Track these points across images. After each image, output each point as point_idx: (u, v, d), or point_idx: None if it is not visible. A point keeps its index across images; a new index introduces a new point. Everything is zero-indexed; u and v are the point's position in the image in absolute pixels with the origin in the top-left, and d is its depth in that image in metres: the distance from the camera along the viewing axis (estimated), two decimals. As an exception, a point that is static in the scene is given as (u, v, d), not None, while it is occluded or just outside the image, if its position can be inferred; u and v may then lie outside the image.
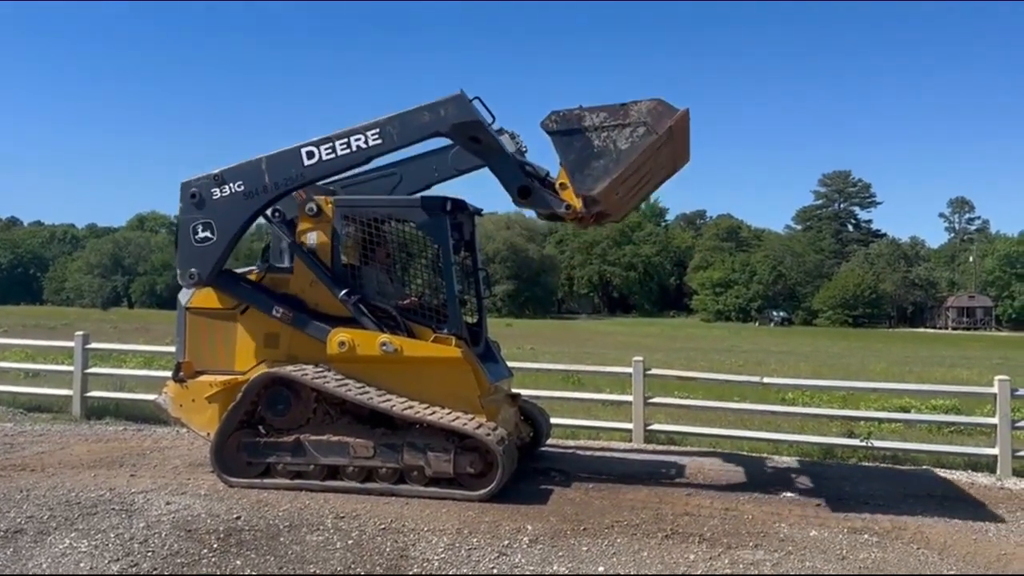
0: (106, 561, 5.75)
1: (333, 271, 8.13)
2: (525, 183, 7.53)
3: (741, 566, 5.99)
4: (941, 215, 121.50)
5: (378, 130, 7.57)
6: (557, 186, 7.42)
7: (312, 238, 8.19)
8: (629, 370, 10.84)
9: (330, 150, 7.67)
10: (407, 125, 7.52)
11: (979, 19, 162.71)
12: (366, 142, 7.59)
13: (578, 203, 7.31)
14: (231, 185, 7.87)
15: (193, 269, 7.94)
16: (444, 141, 8.32)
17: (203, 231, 7.93)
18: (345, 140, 7.63)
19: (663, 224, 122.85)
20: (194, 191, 7.95)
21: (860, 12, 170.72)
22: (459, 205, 8.43)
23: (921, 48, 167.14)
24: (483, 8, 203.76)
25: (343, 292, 7.92)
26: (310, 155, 7.71)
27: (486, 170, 8.31)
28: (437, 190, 9.18)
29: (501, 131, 7.99)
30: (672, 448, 10.53)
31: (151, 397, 9.73)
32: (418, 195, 8.58)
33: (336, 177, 8.91)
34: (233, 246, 8.03)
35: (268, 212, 8.16)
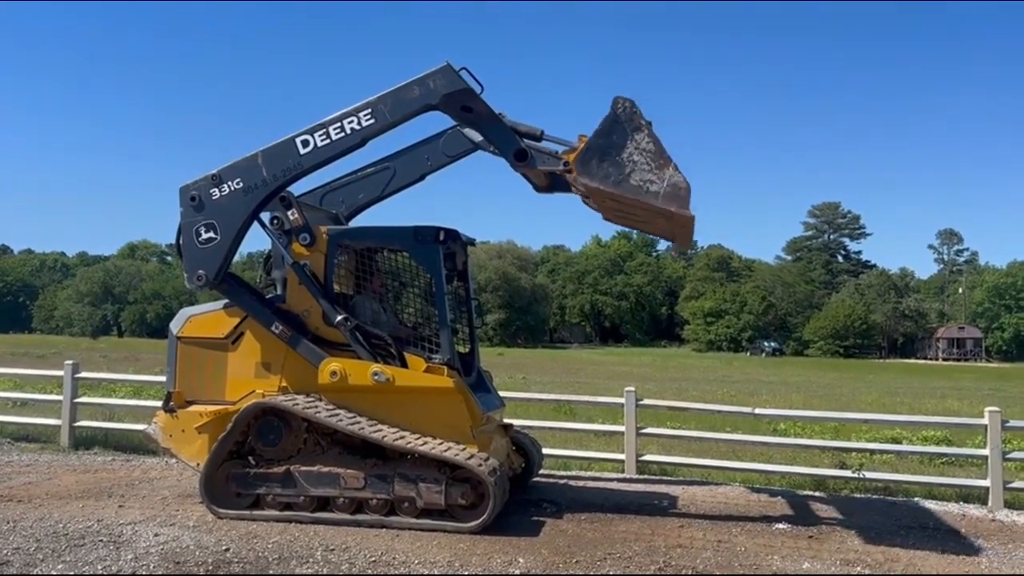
0: (93, 594, 5.68)
1: (327, 299, 8.12)
2: (521, 147, 7.58)
3: (734, 599, 5.96)
4: (930, 246, 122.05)
5: (370, 110, 7.60)
6: (580, 144, 7.40)
7: (306, 267, 8.19)
8: (621, 400, 10.83)
9: (324, 136, 7.70)
10: (398, 101, 7.56)
11: (967, 52, 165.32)
12: (359, 123, 7.62)
13: (575, 168, 7.33)
14: (230, 183, 7.89)
15: (200, 271, 7.93)
16: (433, 128, 8.35)
17: (206, 232, 7.94)
18: (338, 124, 7.66)
19: (654, 254, 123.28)
20: (193, 194, 7.96)
21: (849, 45, 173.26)
22: (452, 235, 8.47)
23: (909, 80, 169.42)
24: (479, 8, 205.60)
25: (340, 317, 7.90)
26: (305, 143, 7.74)
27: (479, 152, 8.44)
28: (432, 182, 9.31)
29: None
30: (664, 479, 10.50)
31: (140, 427, 9.67)
32: (411, 225, 8.61)
33: (332, 178, 8.97)
34: (237, 244, 8.03)
35: (266, 220, 8.17)
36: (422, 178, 9.25)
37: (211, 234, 7.93)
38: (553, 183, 8.15)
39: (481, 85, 7.58)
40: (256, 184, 7.84)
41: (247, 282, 8.51)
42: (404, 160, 9.19)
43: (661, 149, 7.07)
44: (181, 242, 8.06)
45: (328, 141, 7.70)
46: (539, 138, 7.78)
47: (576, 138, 7.56)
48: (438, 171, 9.23)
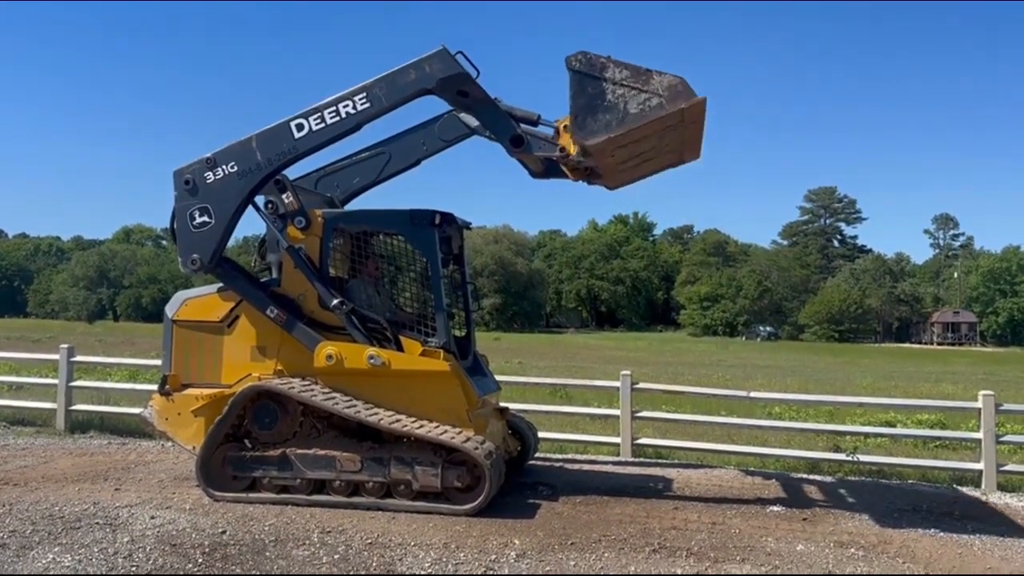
0: (89, 576, 5.70)
1: (323, 283, 8.10)
2: (517, 132, 7.53)
3: (728, 580, 5.99)
4: (926, 231, 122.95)
5: (365, 94, 7.56)
6: (561, 128, 7.39)
7: (301, 251, 8.16)
8: (617, 384, 10.85)
9: (319, 120, 7.65)
10: (394, 85, 7.51)
11: (964, 37, 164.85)
12: (354, 107, 7.57)
13: (573, 149, 7.28)
14: (224, 167, 7.84)
15: (195, 255, 7.90)
16: (428, 115, 8.31)
17: (200, 216, 7.90)
18: (333, 108, 7.62)
19: (651, 239, 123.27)
20: (188, 177, 7.91)
21: (846, 29, 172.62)
22: (448, 218, 8.44)
23: (906, 65, 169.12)
24: (474, 7, 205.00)
25: (336, 301, 7.89)
26: (300, 127, 7.69)
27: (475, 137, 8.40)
28: (428, 166, 9.26)
29: None
30: (659, 462, 10.53)
31: (136, 410, 9.67)
32: (407, 208, 8.59)
33: (327, 162, 8.93)
34: (232, 228, 7.98)
35: (261, 204, 8.14)
36: (418, 163, 9.19)
37: (205, 218, 7.89)
38: (549, 168, 8.12)
39: (477, 69, 7.53)
40: (251, 168, 7.80)
41: (242, 266, 8.49)
42: (399, 145, 9.14)
43: (635, 68, 6.99)
44: (175, 226, 8.03)
45: (323, 125, 7.65)
46: (536, 123, 7.73)
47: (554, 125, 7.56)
48: (434, 156, 9.18)
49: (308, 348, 7.88)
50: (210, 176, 7.87)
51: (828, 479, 9.87)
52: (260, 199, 8.15)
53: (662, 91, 6.89)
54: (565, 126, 7.36)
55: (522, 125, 7.64)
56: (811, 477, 9.98)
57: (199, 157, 7.94)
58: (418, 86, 7.47)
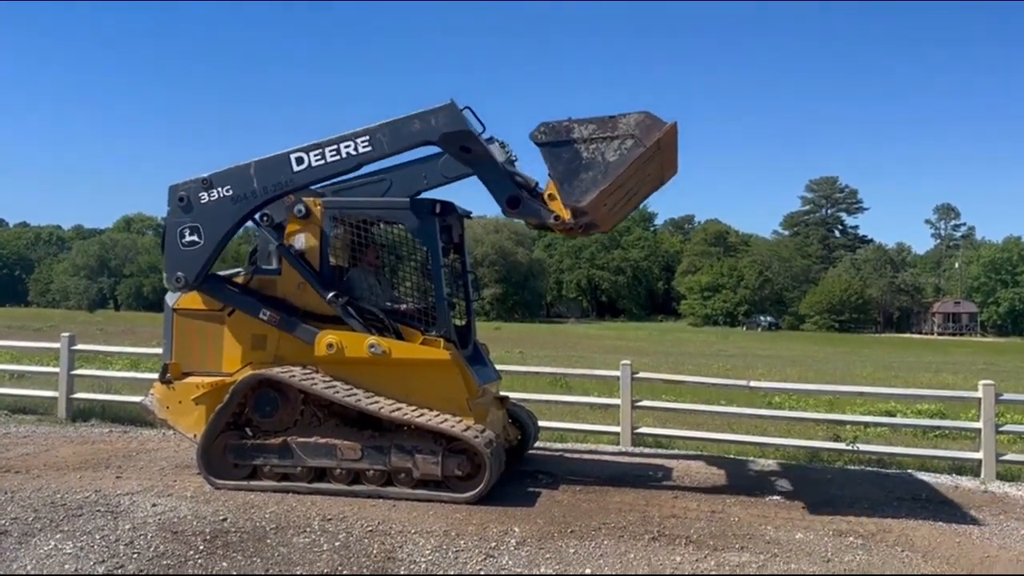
0: (91, 563, 5.72)
1: (321, 273, 8.11)
2: (514, 193, 7.57)
3: (727, 568, 6.02)
4: (927, 221, 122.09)
5: (368, 138, 7.59)
6: (546, 196, 7.47)
7: (300, 240, 8.17)
8: (617, 373, 10.86)
9: (319, 156, 7.68)
10: (397, 133, 7.55)
11: (966, 27, 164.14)
12: (356, 149, 7.61)
13: (567, 214, 7.36)
14: (219, 189, 7.88)
15: (180, 273, 7.93)
16: (434, 148, 8.31)
17: (190, 235, 7.93)
18: (335, 147, 7.65)
19: (652, 229, 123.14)
20: (182, 195, 7.94)
21: (848, 19, 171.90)
22: (448, 207, 8.43)
23: (908, 55, 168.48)
24: (476, 7, 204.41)
25: (331, 295, 7.90)
26: (299, 161, 7.73)
27: (475, 176, 8.32)
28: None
29: (491, 140, 8.02)
30: (659, 451, 10.56)
31: (137, 399, 9.68)
32: (407, 198, 8.57)
33: (326, 182, 8.93)
34: (220, 251, 8.03)
35: (256, 216, 8.16)
36: (417, 195, 9.14)
37: (195, 237, 7.91)
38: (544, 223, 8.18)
39: (483, 125, 7.60)
40: (245, 194, 7.85)
41: (226, 276, 8.47)
42: (401, 175, 9.09)
43: (599, 120, 7.14)
44: (164, 240, 8.06)
45: (322, 162, 7.70)
46: (533, 190, 7.80)
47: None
48: (434, 189, 9.15)
49: (307, 343, 7.89)
50: (204, 197, 7.90)
51: (828, 468, 9.89)
52: None
53: (632, 130, 7.04)
54: (550, 195, 7.43)
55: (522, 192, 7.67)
56: (811, 466, 10.01)
57: (196, 176, 7.97)
58: (421, 137, 7.51)
